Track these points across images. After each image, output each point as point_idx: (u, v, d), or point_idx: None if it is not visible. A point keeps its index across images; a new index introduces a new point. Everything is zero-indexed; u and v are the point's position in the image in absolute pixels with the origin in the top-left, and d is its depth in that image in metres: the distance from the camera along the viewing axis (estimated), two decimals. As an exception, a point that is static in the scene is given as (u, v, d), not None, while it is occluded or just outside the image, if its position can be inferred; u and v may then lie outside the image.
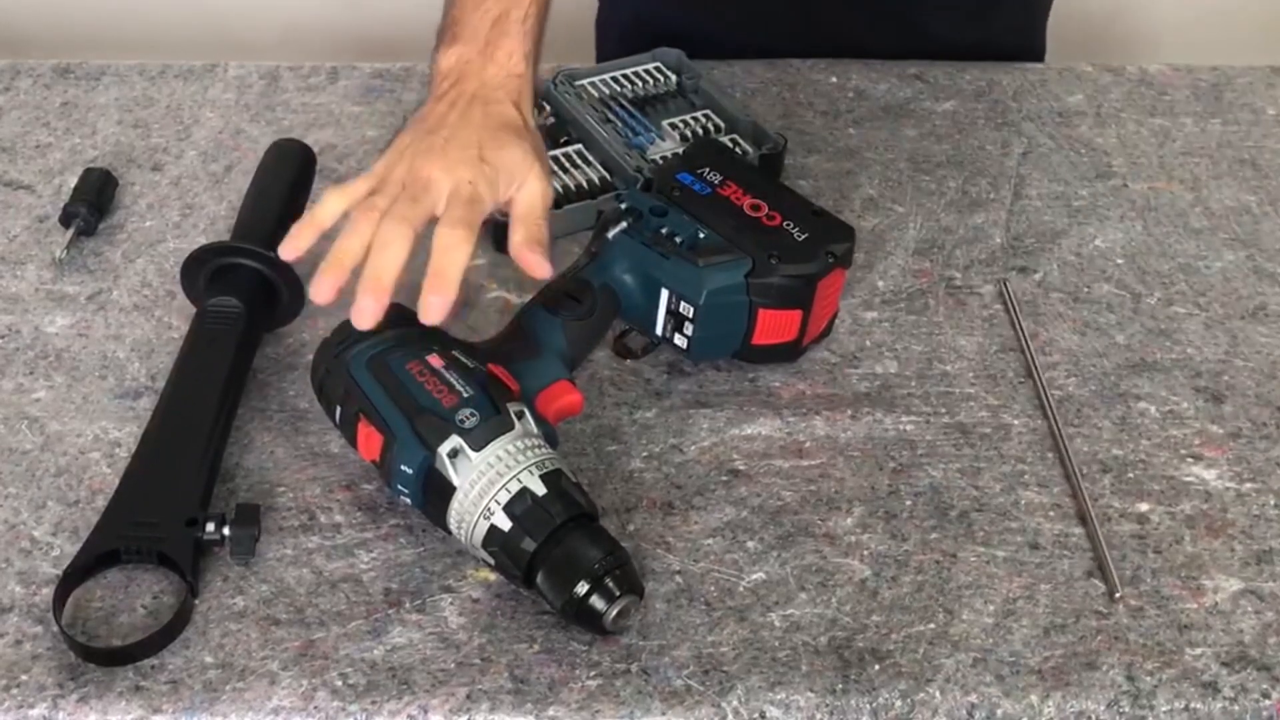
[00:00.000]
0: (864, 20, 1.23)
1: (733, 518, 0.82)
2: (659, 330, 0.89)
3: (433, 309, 0.77)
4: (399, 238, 0.78)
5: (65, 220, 1.00)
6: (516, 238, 0.82)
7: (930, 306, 0.98)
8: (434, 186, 0.80)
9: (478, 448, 0.74)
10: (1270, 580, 0.80)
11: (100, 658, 0.72)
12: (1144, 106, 1.20)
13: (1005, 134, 1.16)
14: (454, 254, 0.78)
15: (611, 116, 1.09)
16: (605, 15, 1.36)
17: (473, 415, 0.75)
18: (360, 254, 0.78)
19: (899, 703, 0.73)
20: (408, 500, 0.77)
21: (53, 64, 1.18)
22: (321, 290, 0.78)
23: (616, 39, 1.33)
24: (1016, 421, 0.89)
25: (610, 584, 0.73)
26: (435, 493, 0.75)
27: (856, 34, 1.23)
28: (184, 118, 1.13)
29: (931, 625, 0.76)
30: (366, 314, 0.77)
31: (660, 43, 1.17)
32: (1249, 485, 0.86)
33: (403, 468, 0.75)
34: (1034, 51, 1.30)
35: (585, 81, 1.13)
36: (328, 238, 0.81)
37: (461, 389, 0.77)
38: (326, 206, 0.82)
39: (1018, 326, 0.96)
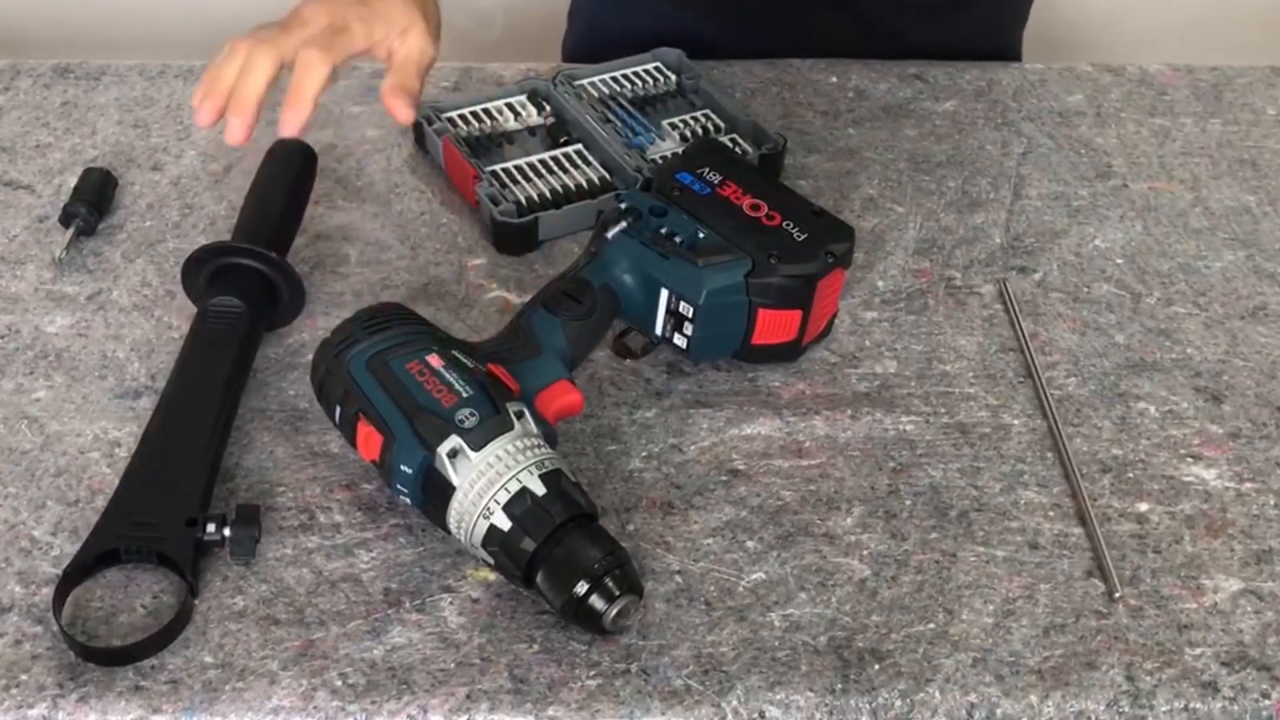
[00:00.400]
0: (833, 20, 1.23)
1: (732, 517, 0.82)
2: (659, 330, 0.89)
3: (287, 123, 0.85)
4: (263, 59, 0.85)
5: (65, 220, 1.00)
6: (386, 83, 0.90)
7: (930, 306, 0.98)
8: (311, 23, 0.87)
9: (477, 448, 0.74)
10: (1270, 580, 0.80)
11: (100, 658, 0.72)
12: (1144, 106, 1.20)
13: (1005, 134, 1.16)
14: (310, 73, 0.85)
15: (611, 116, 1.09)
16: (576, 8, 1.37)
17: (472, 415, 0.75)
18: (234, 79, 0.86)
19: (899, 703, 0.73)
20: (407, 500, 0.77)
21: (53, 64, 1.18)
22: (201, 115, 0.86)
23: (584, 33, 1.34)
24: (1016, 421, 0.89)
25: (610, 584, 0.73)
26: (435, 492, 0.75)
27: (826, 33, 1.23)
28: (184, 118, 1.12)
29: (931, 625, 0.76)
30: (233, 130, 0.85)
31: (632, 41, 1.17)
32: (1249, 485, 0.86)
33: (402, 467, 0.75)
34: (1008, 56, 1.30)
35: (585, 81, 1.13)
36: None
37: (461, 389, 0.77)
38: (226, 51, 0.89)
39: (1017, 326, 0.96)
